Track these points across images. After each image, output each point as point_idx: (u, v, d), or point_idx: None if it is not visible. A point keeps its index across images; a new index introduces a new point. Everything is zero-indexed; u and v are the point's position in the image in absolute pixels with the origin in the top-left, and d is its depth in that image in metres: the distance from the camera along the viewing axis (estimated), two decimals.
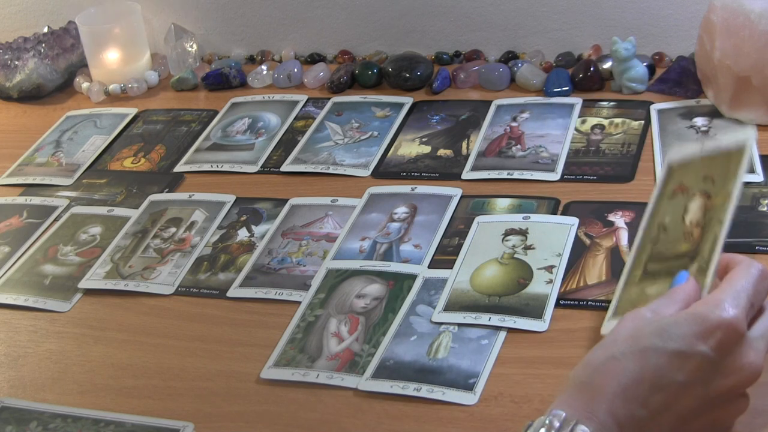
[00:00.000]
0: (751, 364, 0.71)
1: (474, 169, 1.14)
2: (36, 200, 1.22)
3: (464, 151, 1.18)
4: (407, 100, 1.30)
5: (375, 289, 0.98)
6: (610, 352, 0.72)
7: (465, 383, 0.85)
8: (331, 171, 1.19)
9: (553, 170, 1.11)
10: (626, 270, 0.87)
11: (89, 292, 1.06)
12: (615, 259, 0.96)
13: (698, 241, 0.81)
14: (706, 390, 0.71)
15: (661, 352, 0.70)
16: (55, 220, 1.18)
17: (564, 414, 0.69)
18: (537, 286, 0.95)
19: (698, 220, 0.82)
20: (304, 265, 1.04)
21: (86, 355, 0.97)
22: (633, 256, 0.87)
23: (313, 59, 1.44)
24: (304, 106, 1.33)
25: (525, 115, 1.22)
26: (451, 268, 0.99)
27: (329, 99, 1.33)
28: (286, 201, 1.14)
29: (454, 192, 1.10)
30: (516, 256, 0.99)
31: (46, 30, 1.50)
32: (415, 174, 1.16)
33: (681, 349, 0.70)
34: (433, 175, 1.15)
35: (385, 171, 1.17)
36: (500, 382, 0.86)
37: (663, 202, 0.87)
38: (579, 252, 0.98)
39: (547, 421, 0.69)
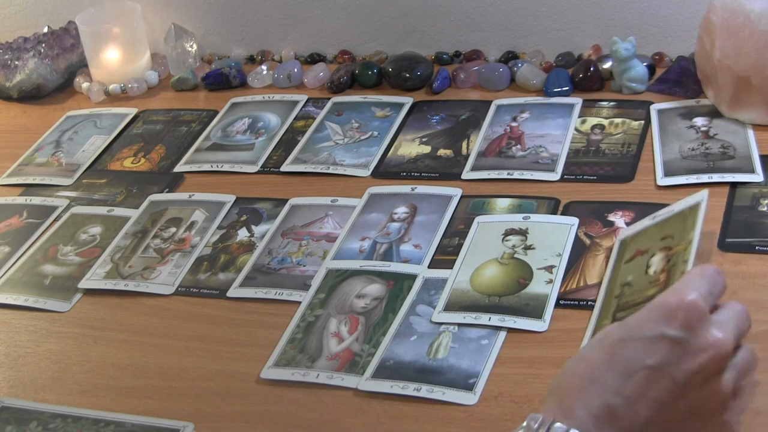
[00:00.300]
0: (718, 340, 0.71)
1: (474, 169, 1.14)
2: (36, 200, 1.22)
3: (464, 151, 1.18)
4: (407, 100, 1.30)
5: (375, 289, 0.98)
6: (579, 356, 0.73)
7: (465, 383, 0.86)
8: (331, 171, 1.19)
9: (553, 170, 1.11)
10: (592, 323, 0.88)
11: (89, 292, 1.06)
12: None
13: (665, 282, 0.84)
14: (678, 371, 0.70)
15: (627, 341, 0.71)
16: (55, 220, 1.18)
17: (541, 417, 0.70)
18: (537, 286, 0.95)
19: (662, 267, 0.86)
20: (304, 265, 1.04)
21: (86, 355, 0.97)
22: (597, 313, 0.89)
23: (313, 59, 1.44)
24: (304, 106, 1.33)
25: (525, 115, 1.22)
26: (451, 268, 0.99)
27: (329, 99, 1.33)
28: (286, 201, 1.14)
29: (454, 192, 1.10)
30: (516, 256, 0.99)
31: (46, 30, 1.50)
32: (415, 174, 1.16)
33: (646, 335, 0.71)
34: (433, 175, 1.15)
35: (385, 171, 1.17)
36: (500, 382, 0.86)
37: (620, 267, 0.92)
38: (579, 252, 0.98)
39: (524, 424, 0.70)
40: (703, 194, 0.91)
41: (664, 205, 1.02)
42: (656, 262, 0.89)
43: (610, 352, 0.71)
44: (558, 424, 0.69)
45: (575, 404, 0.70)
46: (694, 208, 0.90)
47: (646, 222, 0.95)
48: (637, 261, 0.90)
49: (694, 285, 0.72)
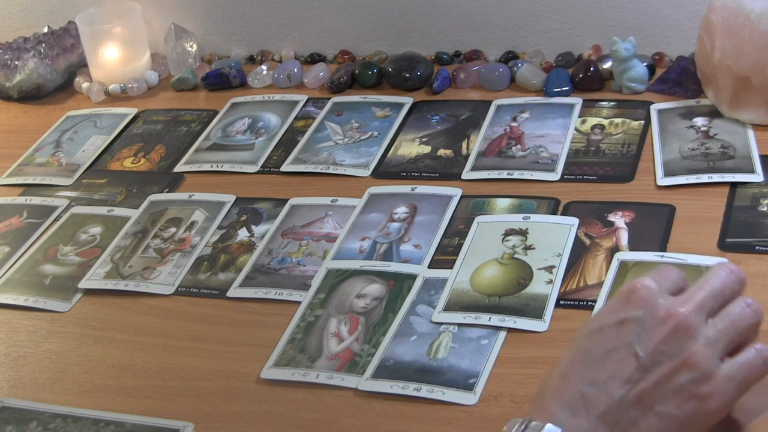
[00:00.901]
0: (676, 311, 0.72)
1: (474, 169, 1.14)
2: (36, 200, 1.22)
3: (464, 151, 1.18)
4: (407, 100, 1.30)
5: (375, 289, 0.98)
6: (555, 365, 0.75)
7: (465, 383, 0.86)
8: (331, 171, 1.19)
9: (553, 170, 1.11)
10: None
11: (89, 292, 1.06)
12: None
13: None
14: (640, 347, 0.71)
15: (591, 335, 0.74)
16: (55, 220, 1.18)
17: (521, 419, 0.71)
18: (537, 286, 0.95)
19: None
20: (304, 265, 1.04)
21: (86, 355, 0.97)
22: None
23: (313, 59, 1.44)
24: (304, 106, 1.33)
25: (525, 115, 1.22)
26: (451, 268, 0.99)
27: (329, 99, 1.33)
28: (286, 201, 1.14)
29: (454, 192, 1.10)
30: (516, 256, 0.99)
31: (46, 30, 1.50)
32: (415, 174, 1.16)
33: (607, 324, 0.73)
34: (433, 175, 1.15)
35: (385, 171, 1.17)
36: (500, 382, 0.86)
37: (622, 286, 0.90)
38: (579, 252, 0.98)
39: (504, 428, 0.71)
40: (724, 261, 0.90)
41: (664, 205, 1.02)
42: None
43: (577, 349, 0.74)
44: (534, 422, 0.70)
45: (550, 402, 0.72)
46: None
47: (651, 256, 0.95)
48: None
49: (651, 274, 0.75)
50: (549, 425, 0.70)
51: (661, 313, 0.72)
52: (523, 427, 0.70)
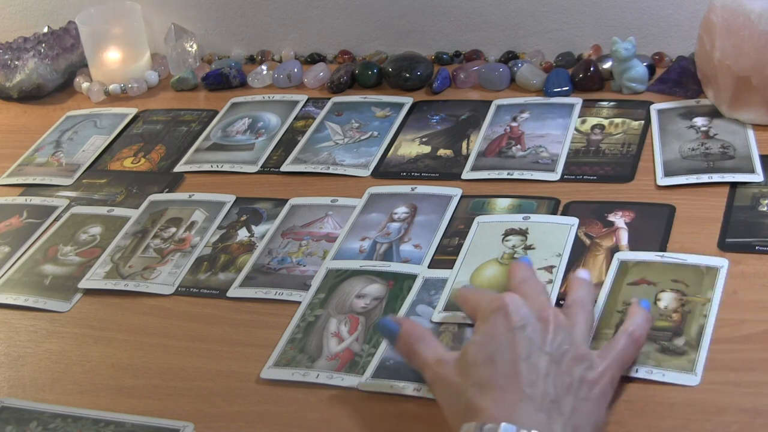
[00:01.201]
0: (548, 310, 0.82)
1: (474, 169, 1.14)
2: (36, 200, 1.22)
3: (464, 151, 1.18)
4: (407, 100, 1.30)
5: (375, 289, 0.98)
6: (457, 392, 0.80)
7: None
8: (331, 171, 1.19)
9: (553, 170, 1.11)
10: (594, 327, 0.89)
11: (89, 292, 1.06)
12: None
13: (679, 323, 0.87)
14: (543, 346, 0.78)
15: (494, 351, 0.79)
16: (55, 220, 1.18)
17: (474, 423, 0.74)
18: None
19: (676, 307, 0.89)
20: (304, 265, 1.04)
21: (86, 355, 0.97)
22: (597, 318, 0.89)
23: (313, 59, 1.44)
24: (304, 106, 1.33)
25: (525, 115, 1.22)
26: (451, 268, 0.99)
27: (329, 99, 1.33)
28: (286, 201, 1.14)
29: (454, 192, 1.10)
30: (516, 256, 0.98)
31: (46, 30, 1.50)
32: (415, 174, 1.16)
33: (501, 339, 0.79)
34: (433, 175, 1.15)
35: (385, 171, 1.17)
36: None
37: (622, 285, 0.92)
38: (579, 252, 0.98)
39: None
40: (724, 261, 0.93)
41: (664, 205, 1.02)
42: (667, 298, 0.90)
43: (493, 365, 0.77)
44: (489, 425, 0.73)
45: (497, 410, 0.74)
46: (712, 270, 0.92)
47: (651, 256, 0.95)
48: (644, 288, 0.91)
49: (499, 293, 0.84)
50: (504, 423, 0.72)
51: (541, 314, 0.81)
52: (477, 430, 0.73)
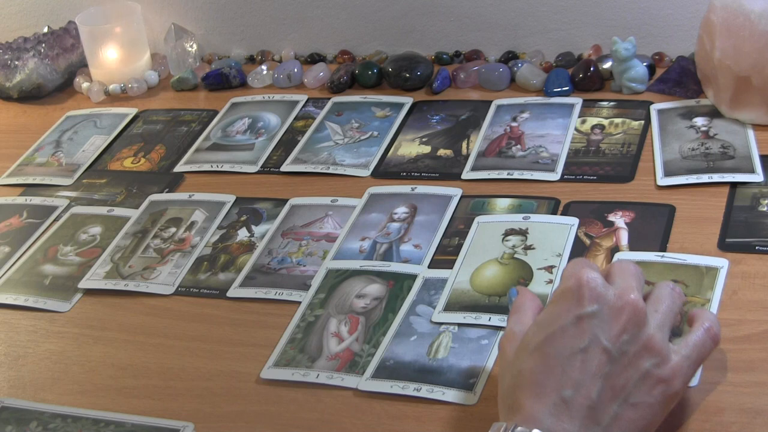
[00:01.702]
0: (628, 299, 0.73)
1: (474, 169, 1.14)
2: (36, 200, 1.22)
3: (464, 151, 1.18)
4: (407, 100, 1.30)
5: (375, 289, 0.98)
6: (513, 371, 0.75)
7: (465, 383, 0.86)
8: (331, 171, 1.19)
9: (553, 170, 1.11)
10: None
11: (89, 292, 1.06)
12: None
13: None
14: (606, 340, 0.72)
15: (551, 338, 0.73)
16: (55, 220, 1.18)
17: (504, 424, 0.71)
18: (537, 286, 0.95)
19: None
20: (304, 265, 1.04)
21: (86, 355, 0.97)
22: None
23: (313, 59, 1.44)
24: (304, 106, 1.33)
25: (525, 115, 1.22)
26: (451, 268, 0.99)
27: (329, 99, 1.33)
28: (286, 201, 1.14)
29: (454, 192, 1.10)
30: (516, 256, 0.99)
31: (46, 30, 1.50)
32: (415, 174, 1.16)
33: (566, 324, 0.73)
34: (433, 175, 1.15)
35: (385, 171, 1.17)
36: None
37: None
38: (579, 252, 0.98)
39: None
40: (724, 262, 0.93)
41: (664, 205, 1.02)
42: None
43: (542, 354, 0.73)
44: (520, 428, 0.70)
45: (532, 411, 0.71)
46: (712, 270, 0.92)
47: (651, 256, 0.95)
48: (643, 288, 0.90)
49: (582, 266, 0.75)
50: (536, 431, 0.70)
51: (617, 303, 0.73)
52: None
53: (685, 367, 0.74)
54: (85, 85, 1.45)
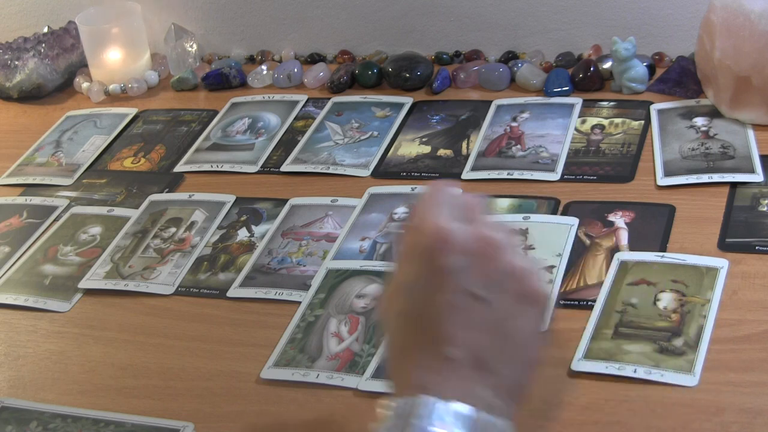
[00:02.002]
0: (486, 233, 0.66)
1: (474, 169, 1.14)
2: (36, 200, 1.22)
3: (464, 151, 1.18)
4: (407, 100, 1.30)
5: (375, 289, 0.98)
6: (387, 345, 0.69)
7: None
8: (331, 171, 1.19)
9: (553, 170, 1.11)
10: (591, 324, 0.89)
11: (89, 292, 1.06)
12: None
13: (678, 323, 0.87)
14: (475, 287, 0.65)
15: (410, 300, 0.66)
16: (55, 220, 1.18)
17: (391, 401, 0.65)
18: None
19: (675, 308, 0.89)
20: (304, 265, 1.04)
21: (86, 355, 0.97)
22: (597, 317, 0.89)
23: (313, 59, 1.44)
24: (304, 106, 1.33)
25: (525, 115, 1.22)
26: None
27: (329, 99, 1.33)
28: (286, 201, 1.14)
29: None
30: None
31: (46, 30, 1.50)
32: (415, 174, 1.16)
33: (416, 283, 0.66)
34: (433, 175, 1.15)
35: (385, 171, 1.17)
36: None
37: (622, 285, 0.92)
38: (579, 252, 0.98)
39: (390, 413, 0.65)
40: (724, 262, 0.93)
41: (664, 205, 1.02)
42: (667, 299, 0.90)
43: (407, 320, 0.66)
44: (423, 396, 0.63)
45: (415, 377, 0.64)
46: (712, 270, 0.92)
47: (651, 256, 0.95)
48: (643, 288, 0.91)
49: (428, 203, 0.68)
50: (422, 396, 0.62)
51: (479, 244, 0.66)
52: (411, 404, 0.62)
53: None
54: (85, 85, 1.45)
